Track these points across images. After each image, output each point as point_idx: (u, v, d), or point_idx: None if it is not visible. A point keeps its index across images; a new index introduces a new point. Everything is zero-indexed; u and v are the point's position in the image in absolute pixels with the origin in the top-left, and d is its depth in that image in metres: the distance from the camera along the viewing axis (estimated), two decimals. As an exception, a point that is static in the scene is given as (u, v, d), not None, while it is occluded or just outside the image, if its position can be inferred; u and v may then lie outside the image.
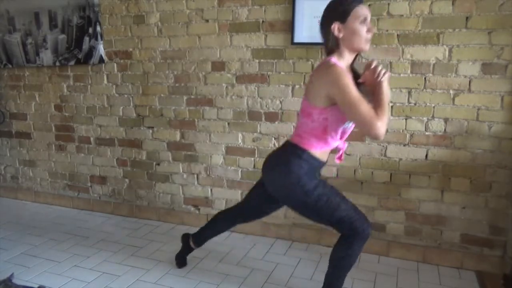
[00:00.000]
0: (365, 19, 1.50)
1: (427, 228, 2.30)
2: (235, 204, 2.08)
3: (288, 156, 1.65)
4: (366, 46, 1.54)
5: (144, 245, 2.55)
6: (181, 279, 2.14)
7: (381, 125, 1.41)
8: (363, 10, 1.50)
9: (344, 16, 1.50)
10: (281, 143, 2.48)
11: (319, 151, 1.64)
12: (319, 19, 1.60)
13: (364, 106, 1.42)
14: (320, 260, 2.34)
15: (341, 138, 1.66)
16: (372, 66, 1.55)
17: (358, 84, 1.54)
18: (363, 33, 1.51)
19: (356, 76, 1.62)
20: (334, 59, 1.53)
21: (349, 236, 1.67)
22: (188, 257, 2.30)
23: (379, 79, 1.52)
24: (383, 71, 1.52)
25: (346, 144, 1.72)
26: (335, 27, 1.52)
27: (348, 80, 1.44)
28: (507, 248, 2.14)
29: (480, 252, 2.23)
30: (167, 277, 2.15)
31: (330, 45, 1.55)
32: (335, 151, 1.74)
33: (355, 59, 1.63)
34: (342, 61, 1.55)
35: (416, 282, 2.12)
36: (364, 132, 1.48)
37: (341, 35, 1.52)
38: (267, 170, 1.74)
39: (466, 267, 2.25)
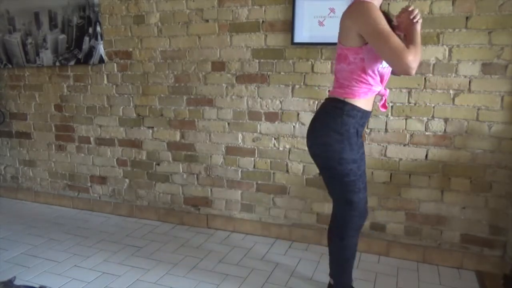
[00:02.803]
0: None
1: (427, 228, 2.30)
2: None
3: (330, 113, 1.61)
4: None
5: (144, 245, 2.55)
6: (181, 279, 2.14)
7: (413, 59, 1.36)
8: None
9: None
10: (280, 144, 2.51)
11: (363, 99, 1.59)
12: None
13: (395, 39, 1.38)
14: (320, 260, 2.34)
15: (381, 81, 1.62)
16: (410, 9, 1.54)
17: (391, 28, 1.52)
18: None
19: (388, 19, 1.56)
20: None
21: (339, 226, 1.73)
22: (189, 258, 2.30)
23: (415, 20, 1.51)
24: (419, 15, 1.52)
25: (388, 91, 1.69)
26: None
27: (378, 14, 1.42)
28: (507, 248, 2.14)
29: (480, 252, 2.23)
30: (167, 277, 2.15)
31: None
32: (377, 99, 1.70)
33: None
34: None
35: (416, 282, 2.12)
36: (395, 66, 1.42)
37: None
38: (310, 132, 1.70)
39: (466, 267, 2.25)
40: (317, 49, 2.32)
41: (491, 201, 2.17)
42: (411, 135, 2.24)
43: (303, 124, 2.44)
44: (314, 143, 1.68)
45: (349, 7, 1.55)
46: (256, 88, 2.52)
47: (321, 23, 2.27)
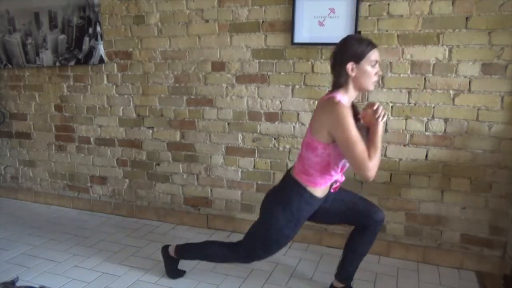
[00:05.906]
0: (376, 62, 1.60)
1: (427, 228, 2.30)
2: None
3: (290, 194, 1.72)
4: (372, 87, 1.64)
5: (144, 245, 2.55)
6: (181, 279, 2.14)
7: (372, 167, 1.53)
8: (375, 54, 1.59)
9: (359, 58, 1.57)
10: (280, 144, 2.51)
11: (322, 188, 1.72)
12: (332, 57, 1.65)
13: (361, 147, 1.51)
14: (320, 260, 2.35)
15: (341, 171, 1.73)
16: (375, 107, 1.62)
17: (356, 120, 1.62)
18: (372, 76, 1.60)
19: (355, 111, 1.69)
20: (339, 95, 1.60)
21: (236, 251, 1.91)
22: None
23: (379, 120, 1.60)
24: (383, 114, 1.61)
25: (344, 178, 1.80)
26: (350, 66, 1.58)
27: (350, 120, 1.52)
28: (507, 248, 2.14)
29: (480, 252, 2.23)
30: (167, 277, 2.15)
31: (342, 81, 1.61)
32: (332, 183, 1.78)
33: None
34: (347, 97, 1.63)
35: (416, 282, 2.12)
36: (355, 171, 1.58)
37: (353, 74, 1.59)
38: (268, 202, 1.81)
39: (466, 267, 2.25)
40: (317, 49, 2.32)
41: (491, 201, 2.17)
42: (411, 135, 2.24)
43: (303, 124, 2.44)
44: (270, 206, 1.78)
45: (324, 104, 1.62)
46: (256, 88, 2.52)
47: (321, 23, 2.27)
